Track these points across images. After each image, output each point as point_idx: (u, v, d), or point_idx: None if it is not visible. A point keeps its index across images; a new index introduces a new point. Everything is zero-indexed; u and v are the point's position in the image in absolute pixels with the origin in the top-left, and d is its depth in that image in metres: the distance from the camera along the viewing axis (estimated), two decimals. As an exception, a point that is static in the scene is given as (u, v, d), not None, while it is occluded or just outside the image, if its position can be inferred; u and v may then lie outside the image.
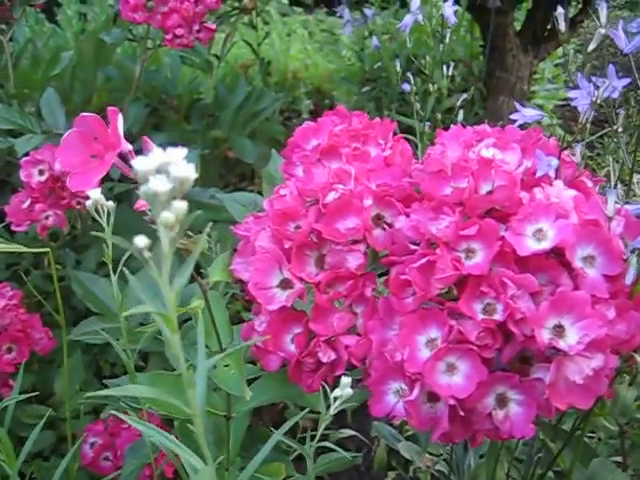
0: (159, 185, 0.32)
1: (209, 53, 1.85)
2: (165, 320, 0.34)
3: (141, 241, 0.32)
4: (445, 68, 1.16)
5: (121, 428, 1.06)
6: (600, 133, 0.78)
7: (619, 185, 0.64)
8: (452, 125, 0.65)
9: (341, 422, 1.30)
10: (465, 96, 1.15)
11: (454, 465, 0.86)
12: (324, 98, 2.65)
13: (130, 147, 0.56)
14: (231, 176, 2.09)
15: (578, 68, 0.70)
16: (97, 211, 0.72)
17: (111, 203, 0.73)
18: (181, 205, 0.32)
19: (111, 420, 1.07)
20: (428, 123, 1.18)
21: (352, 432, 1.11)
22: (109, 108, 0.52)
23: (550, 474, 0.75)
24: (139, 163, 0.32)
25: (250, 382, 0.75)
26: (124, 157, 0.57)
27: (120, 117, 0.52)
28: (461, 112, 1.09)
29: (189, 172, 0.32)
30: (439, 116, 1.19)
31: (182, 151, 0.32)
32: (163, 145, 0.36)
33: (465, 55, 2.34)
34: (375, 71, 2.28)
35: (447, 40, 1.20)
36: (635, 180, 0.72)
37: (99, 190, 0.70)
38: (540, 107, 2.36)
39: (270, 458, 0.75)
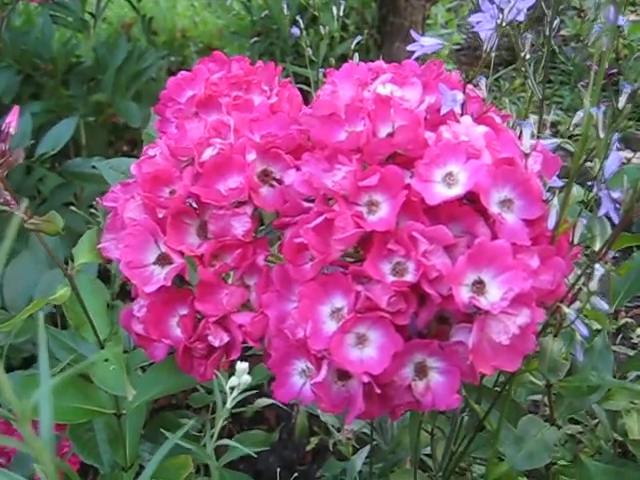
0: None
1: (84, 11, 1.70)
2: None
3: None
4: (335, 9, 1.08)
5: (12, 430, 0.96)
6: (506, 70, 0.72)
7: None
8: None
9: (259, 390, 1.24)
10: (360, 38, 1.07)
11: (377, 425, 0.82)
12: (216, 56, 2.52)
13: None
14: (121, 143, 1.96)
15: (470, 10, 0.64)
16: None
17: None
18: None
19: (2, 422, 0.97)
20: (322, 70, 1.11)
21: (270, 400, 1.05)
22: None
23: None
24: None
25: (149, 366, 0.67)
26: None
27: None
28: (356, 56, 1.02)
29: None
30: (333, 62, 1.11)
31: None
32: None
33: (357, 2, 2.26)
34: (264, 21, 2.18)
35: (336, -19, 1.11)
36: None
37: None
38: (435, 53, 2.33)
39: (176, 451, 0.68)
